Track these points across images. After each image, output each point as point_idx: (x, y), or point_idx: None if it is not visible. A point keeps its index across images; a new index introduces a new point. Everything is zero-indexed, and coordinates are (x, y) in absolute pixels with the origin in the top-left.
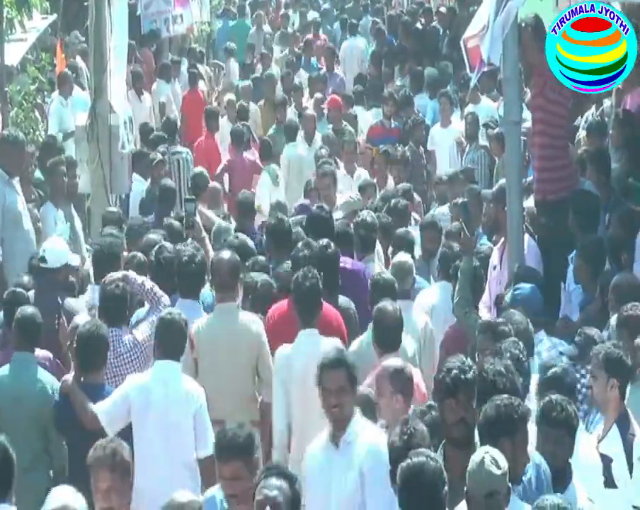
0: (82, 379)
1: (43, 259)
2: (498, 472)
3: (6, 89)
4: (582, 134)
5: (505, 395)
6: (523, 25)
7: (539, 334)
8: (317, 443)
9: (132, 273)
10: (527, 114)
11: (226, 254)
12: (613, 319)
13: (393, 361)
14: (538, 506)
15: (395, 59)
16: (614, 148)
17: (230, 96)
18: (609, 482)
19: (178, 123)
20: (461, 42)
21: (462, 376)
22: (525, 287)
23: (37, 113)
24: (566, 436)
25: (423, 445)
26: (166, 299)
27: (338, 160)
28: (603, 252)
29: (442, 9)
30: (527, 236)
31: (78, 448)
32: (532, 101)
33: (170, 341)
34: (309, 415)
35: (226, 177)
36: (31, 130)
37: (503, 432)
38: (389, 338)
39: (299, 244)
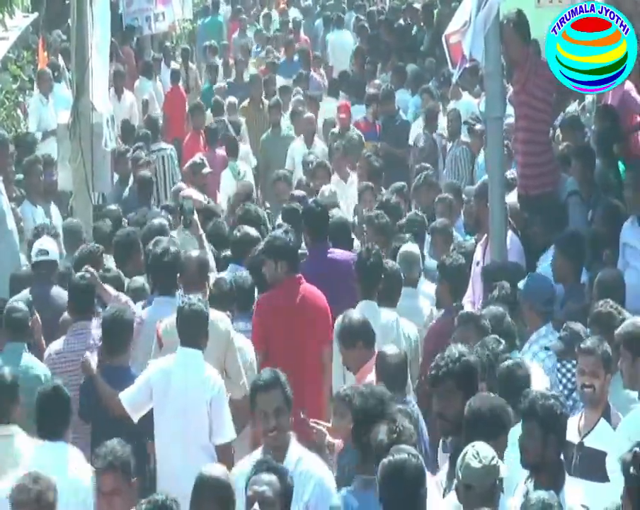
0: (107, 362)
1: (45, 252)
2: (478, 465)
3: None
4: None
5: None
6: (505, 21)
7: (541, 330)
8: (248, 466)
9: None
10: (509, 110)
11: (194, 252)
12: None
13: (390, 349)
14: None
15: (378, 55)
16: (595, 143)
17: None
18: (603, 477)
19: (160, 121)
20: (443, 39)
21: (440, 371)
22: (537, 275)
23: (19, 112)
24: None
25: (410, 443)
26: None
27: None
28: (582, 246)
29: (417, 5)
30: (509, 231)
31: (104, 433)
32: (514, 97)
33: (189, 329)
34: None
35: None
36: (13, 129)
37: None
38: (392, 382)
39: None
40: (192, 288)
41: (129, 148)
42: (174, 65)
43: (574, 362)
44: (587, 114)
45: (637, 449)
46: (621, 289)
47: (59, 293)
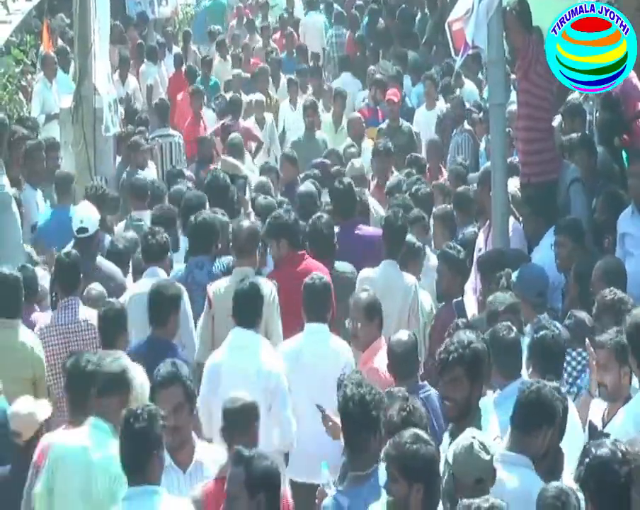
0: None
1: (84, 230)
2: (487, 457)
3: None
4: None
5: None
6: (508, 8)
7: (544, 316)
8: None
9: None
10: (513, 96)
11: (246, 222)
12: None
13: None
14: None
15: (380, 40)
16: (597, 132)
17: None
18: None
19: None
20: (446, 26)
21: (449, 357)
22: (531, 266)
23: (21, 95)
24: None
25: (420, 424)
26: None
27: None
28: (583, 232)
29: None
30: (512, 218)
31: None
32: (517, 85)
33: (316, 304)
34: None
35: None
36: (15, 112)
37: None
38: (403, 368)
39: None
40: (244, 257)
41: (132, 131)
42: (176, 50)
43: (579, 350)
44: (590, 102)
45: (588, 460)
46: (622, 277)
47: (101, 262)
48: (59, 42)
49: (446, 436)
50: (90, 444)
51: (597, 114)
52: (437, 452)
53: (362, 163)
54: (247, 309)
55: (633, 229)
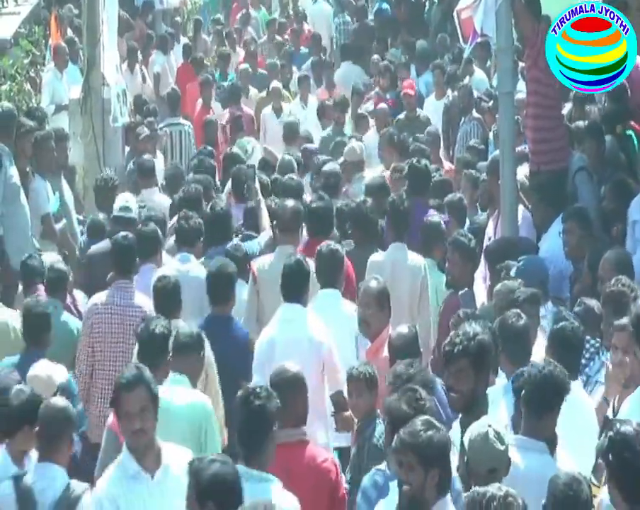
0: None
1: (128, 209)
2: (501, 447)
3: (0, 62)
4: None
5: None
6: None
7: (547, 306)
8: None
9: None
10: (521, 85)
11: (290, 201)
12: None
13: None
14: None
15: (388, 30)
16: (602, 121)
17: None
18: None
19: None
20: (455, 14)
21: (455, 349)
22: (532, 257)
23: (29, 86)
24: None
25: (430, 413)
26: None
27: None
28: (589, 220)
29: None
30: (521, 207)
31: None
32: (526, 73)
33: (328, 271)
34: None
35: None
36: (24, 102)
37: None
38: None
39: None
40: (288, 235)
41: (141, 122)
42: (184, 40)
43: (588, 337)
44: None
45: (611, 433)
46: (630, 268)
47: None
48: (68, 32)
49: (456, 425)
50: (171, 396)
51: (604, 104)
52: (449, 436)
53: (362, 147)
54: (294, 285)
55: None
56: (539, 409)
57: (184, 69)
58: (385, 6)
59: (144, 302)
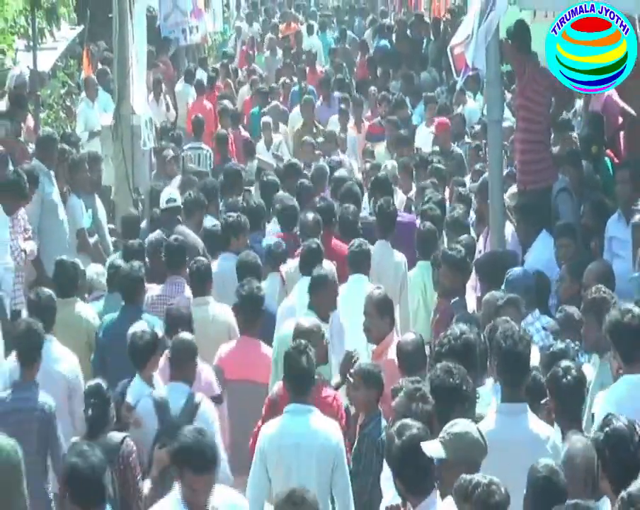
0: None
1: (173, 199)
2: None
3: (39, 93)
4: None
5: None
6: (506, 34)
7: (534, 313)
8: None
9: None
10: (507, 114)
11: (310, 214)
12: None
13: (408, 337)
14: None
15: (389, 63)
16: (580, 146)
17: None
18: None
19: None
20: (449, 49)
21: (443, 348)
22: (517, 269)
23: (65, 114)
24: None
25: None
26: None
27: None
28: (577, 234)
29: (426, 19)
30: (509, 224)
31: None
32: (514, 102)
33: (359, 259)
34: None
35: None
36: (61, 128)
37: None
38: (412, 365)
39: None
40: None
41: (166, 146)
42: (200, 74)
43: (568, 340)
44: (578, 118)
45: (608, 429)
46: (612, 278)
47: (183, 231)
48: (99, 65)
49: None
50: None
51: (581, 131)
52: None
53: (395, 165)
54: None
55: (619, 232)
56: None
57: (197, 104)
58: (384, 42)
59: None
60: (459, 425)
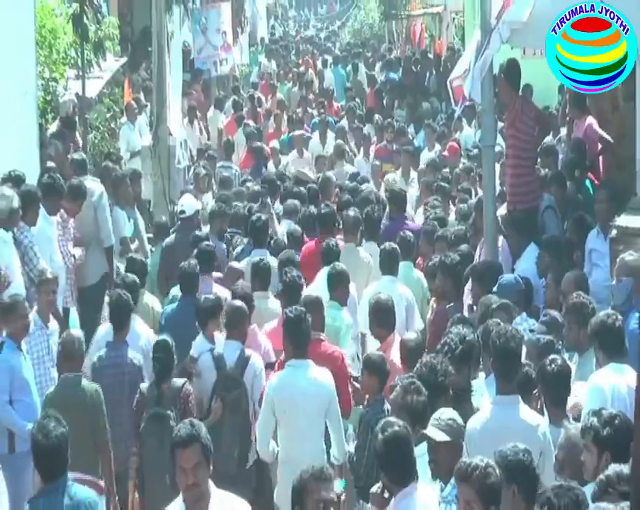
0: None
1: (182, 212)
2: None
3: (87, 116)
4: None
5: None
6: (499, 70)
7: (522, 315)
8: None
9: None
10: (499, 140)
11: (352, 211)
12: None
13: (410, 335)
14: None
15: (396, 94)
16: (563, 169)
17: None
18: None
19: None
20: (448, 83)
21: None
22: (508, 276)
23: (109, 135)
24: None
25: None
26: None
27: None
28: (561, 247)
29: (429, 55)
30: (501, 237)
31: None
32: (505, 131)
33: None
34: None
35: None
36: (106, 148)
37: None
38: (413, 361)
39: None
40: (350, 236)
41: (200, 165)
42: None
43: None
44: (562, 144)
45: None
46: (586, 285)
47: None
48: (141, 94)
49: None
50: None
51: (565, 156)
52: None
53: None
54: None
55: (598, 245)
56: (509, 373)
57: (231, 122)
58: (393, 75)
59: (223, 292)
60: (447, 413)
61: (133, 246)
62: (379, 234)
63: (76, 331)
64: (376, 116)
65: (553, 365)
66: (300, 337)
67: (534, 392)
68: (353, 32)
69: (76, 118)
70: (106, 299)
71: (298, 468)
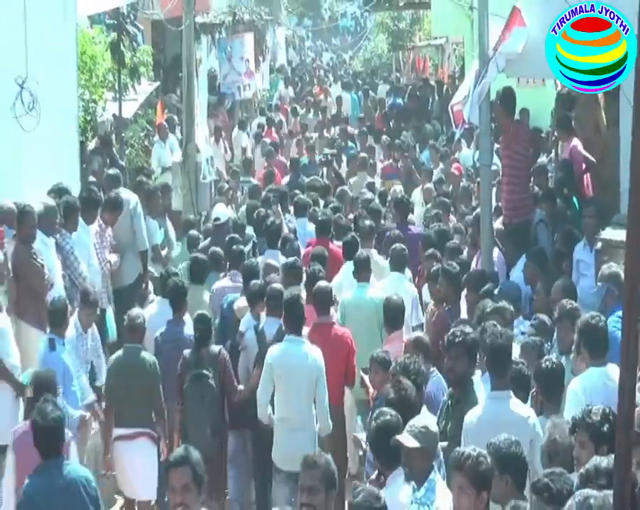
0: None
1: (217, 219)
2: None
3: (123, 135)
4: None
5: None
6: (495, 97)
7: (519, 318)
8: None
9: None
10: (495, 159)
11: (368, 220)
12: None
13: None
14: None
15: (402, 117)
16: (553, 187)
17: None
18: None
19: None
20: (449, 107)
21: (455, 339)
22: (509, 282)
23: (143, 152)
24: None
25: (411, 398)
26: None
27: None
28: (546, 258)
29: (432, 82)
30: (496, 249)
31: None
32: (501, 152)
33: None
34: None
35: None
36: (140, 163)
37: None
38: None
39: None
40: (365, 241)
41: (224, 179)
42: (259, 120)
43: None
44: (553, 164)
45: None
46: (574, 292)
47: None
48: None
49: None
50: None
51: (555, 174)
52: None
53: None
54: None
55: (585, 256)
56: (502, 369)
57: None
58: (399, 100)
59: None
60: (421, 421)
61: (163, 253)
62: (386, 240)
63: (139, 309)
64: (384, 137)
65: (547, 363)
66: (294, 317)
67: (532, 391)
68: (364, 62)
69: (113, 136)
70: (169, 283)
71: (291, 425)
